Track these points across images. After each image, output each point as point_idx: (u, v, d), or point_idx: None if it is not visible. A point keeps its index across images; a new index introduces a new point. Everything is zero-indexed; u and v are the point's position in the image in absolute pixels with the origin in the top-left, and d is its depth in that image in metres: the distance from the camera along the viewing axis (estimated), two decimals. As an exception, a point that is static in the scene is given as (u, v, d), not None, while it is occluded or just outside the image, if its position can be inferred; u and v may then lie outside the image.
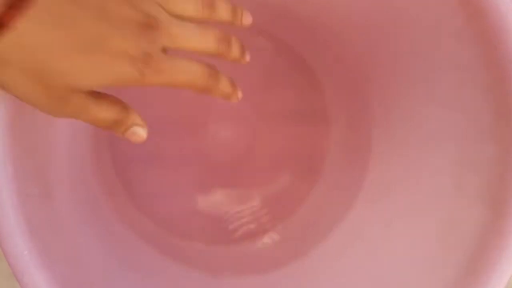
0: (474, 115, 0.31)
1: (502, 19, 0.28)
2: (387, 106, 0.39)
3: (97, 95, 0.24)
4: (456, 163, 0.32)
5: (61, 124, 0.32)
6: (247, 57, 0.31)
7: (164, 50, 0.24)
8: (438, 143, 0.34)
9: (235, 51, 0.28)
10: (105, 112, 0.24)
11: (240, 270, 0.39)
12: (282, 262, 0.39)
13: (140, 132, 0.25)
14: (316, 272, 0.37)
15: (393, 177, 0.38)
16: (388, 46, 0.37)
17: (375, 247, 0.36)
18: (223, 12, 0.27)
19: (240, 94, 0.31)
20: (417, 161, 0.35)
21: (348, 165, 0.43)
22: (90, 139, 0.37)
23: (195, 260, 0.40)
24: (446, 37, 0.31)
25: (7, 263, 0.47)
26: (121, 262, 0.33)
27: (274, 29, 0.44)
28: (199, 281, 0.37)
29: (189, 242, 0.42)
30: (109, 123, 0.24)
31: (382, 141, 0.40)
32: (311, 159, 0.46)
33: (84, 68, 0.22)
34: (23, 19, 0.20)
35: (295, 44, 0.45)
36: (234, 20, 0.29)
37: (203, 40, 0.26)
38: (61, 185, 0.31)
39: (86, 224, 0.32)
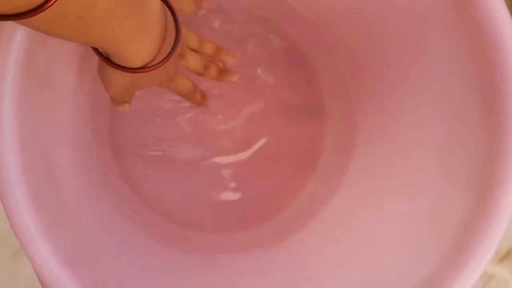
0: (461, 105, 0.32)
1: (488, 11, 0.29)
2: (380, 98, 0.40)
3: None
4: (444, 150, 0.33)
5: (63, 111, 0.33)
6: (230, 78, 0.44)
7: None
8: (427, 132, 0.35)
9: (212, 73, 0.42)
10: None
11: (233, 252, 0.40)
12: (275, 244, 0.40)
13: None
14: (308, 252, 0.39)
15: (384, 164, 0.39)
16: (381, 40, 0.38)
17: (365, 230, 0.37)
18: (209, 50, 0.42)
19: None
20: (407, 149, 0.37)
21: (341, 154, 0.44)
22: (90, 126, 0.38)
23: (191, 243, 0.42)
24: (435, 30, 0.33)
25: (11, 243, 0.48)
26: (120, 243, 0.34)
27: (274, 23, 0.45)
28: (194, 260, 0.38)
29: (185, 228, 0.43)
30: None
31: (374, 131, 0.41)
32: (308, 150, 0.47)
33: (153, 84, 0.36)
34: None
35: (294, 39, 0.46)
36: (217, 56, 0.43)
37: (197, 65, 0.40)
38: (65, 168, 0.32)
39: (87, 207, 0.34)
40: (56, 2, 0.20)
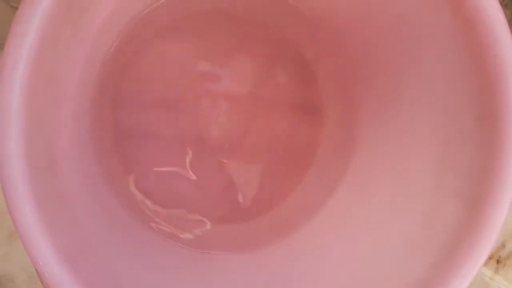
0: (458, 120, 0.32)
1: (491, 32, 0.29)
2: (377, 104, 0.41)
3: None
4: (438, 162, 0.34)
5: (67, 108, 0.34)
6: None
7: None
8: (422, 143, 0.35)
9: None
10: None
11: (229, 248, 0.41)
12: (270, 241, 0.41)
13: None
14: (302, 252, 0.39)
15: (378, 170, 0.39)
16: (382, 48, 0.38)
17: (357, 233, 0.38)
18: None
19: None
20: (401, 159, 0.37)
21: (337, 155, 0.44)
22: (92, 122, 0.39)
23: (186, 237, 0.42)
24: (438, 43, 0.33)
25: (7, 225, 0.49)
26: (120, 237, 0.35)
27: (272, 20, 0.45)
28: (188, 256, 0.39)
29: (181, 216, 0.44)
30: None
31: (370, 135, 0.41)
32: (304, 147, 0.47)
33: None
34: None
35: (292, 36, 0.46)
36: None
37: None
38: (67, 163, 0.32)
39: (88, 200, 0.34)
40: None
